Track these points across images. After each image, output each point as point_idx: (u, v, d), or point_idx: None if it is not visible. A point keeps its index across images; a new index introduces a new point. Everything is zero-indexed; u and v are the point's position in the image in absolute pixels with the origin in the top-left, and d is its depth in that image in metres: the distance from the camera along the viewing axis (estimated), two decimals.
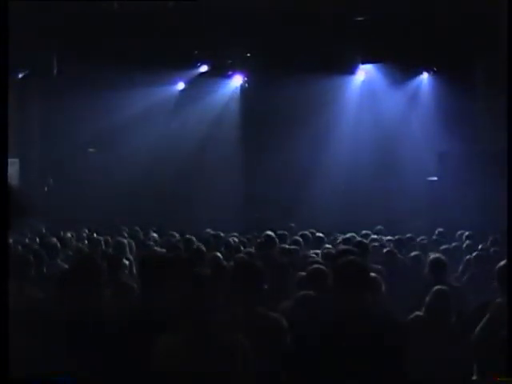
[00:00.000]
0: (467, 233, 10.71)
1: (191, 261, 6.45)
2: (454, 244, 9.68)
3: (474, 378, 4.31)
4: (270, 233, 10.61)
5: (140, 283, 4.72)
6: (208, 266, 6.96)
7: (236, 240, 10.36)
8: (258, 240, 9.91)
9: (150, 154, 16.78)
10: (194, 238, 9.97)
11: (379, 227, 12.46)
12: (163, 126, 17.34)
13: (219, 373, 3.61)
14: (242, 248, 9.46)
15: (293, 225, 12.56)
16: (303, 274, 6.12)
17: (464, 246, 9.57)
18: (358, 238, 9.17)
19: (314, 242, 10.31)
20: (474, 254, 8.19)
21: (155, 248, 9.89)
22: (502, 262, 5.00)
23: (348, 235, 10.32)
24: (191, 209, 16.01)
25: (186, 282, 3.92)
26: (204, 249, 8.16)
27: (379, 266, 7.37)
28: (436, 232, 11.12)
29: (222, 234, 11.23)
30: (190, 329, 3.69)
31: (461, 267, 8.31)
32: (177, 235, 11.58)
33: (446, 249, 8.99)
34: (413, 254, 8.43)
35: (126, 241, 9.51)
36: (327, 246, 8.90)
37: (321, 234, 10.99)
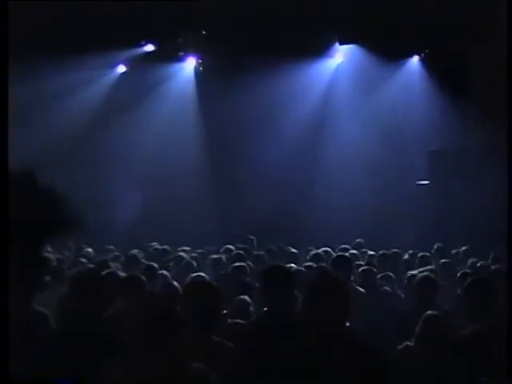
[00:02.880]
0: (464, 248, 10.82)
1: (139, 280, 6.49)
2: (445, 260, 9.75)
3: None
4: (230, 247, 10.64)
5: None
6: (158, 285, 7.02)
7: (186, 255, 10.35)
8: (214, 256, 9.91)
9: (82, 146, 16.56)
10: (138, 254, 9.95)
11: (359, 240, 12.51)
12: (99, 115, 17.11)
13: None
14: (195, 264, 9.46)
15: (253, 237, 12.56)
16: None
17: (458, 262, 9.67)
18: (333, 253, 9.20)
19: (280, 256, 10.31)
20: (461, 272, 8.26)
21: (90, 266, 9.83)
22: None
23: (321, 250, 10.35)
24: (134, 218, 15.84)
25: (138, 301, 3.96)
26: (156, 266, 8.25)
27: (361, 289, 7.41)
28: (435, 247, 11.19)
29: (169, 249, 11.23)
30: (143, 353, 3.72)
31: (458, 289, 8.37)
32: (115, 250, 11.51)
33: (438, 265, 9.05)
34: (409, 273, 8.46)
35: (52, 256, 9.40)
36: (292, 265, 8.89)
37: (292, 249, 11.00)
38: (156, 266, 8.34)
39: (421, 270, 8.64)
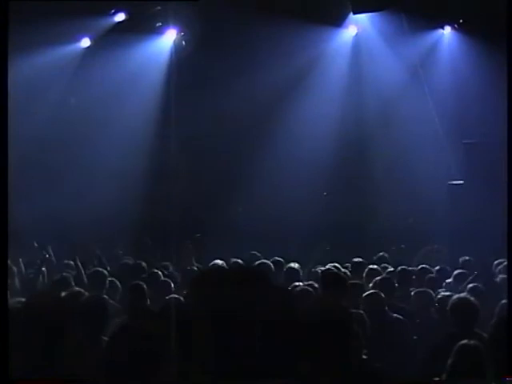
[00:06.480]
0: (506, 262, 10.77)
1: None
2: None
3: None
4: (219, 262, 10.65)
5: None
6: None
7: (164, 272, 10.35)
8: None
9: (38, 136, 16.55)
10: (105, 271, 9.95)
11: (382, 254, 12.55)
12: (59, 98, 17.19)
13: None
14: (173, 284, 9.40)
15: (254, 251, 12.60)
16: None
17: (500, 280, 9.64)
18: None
19: (278, 274, 10.22)
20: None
21: None
22: None
23: (328, 266, 10.28)
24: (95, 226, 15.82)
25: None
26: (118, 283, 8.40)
27: (361, 311, 7.42)
28: (460, 261, 11.19)
29: (143, 265, 11.22)
30: None
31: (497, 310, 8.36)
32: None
33: (475, 286, 9.01)
34: (444, 293, 8.53)
35: None
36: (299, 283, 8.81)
37: (292, 264, 10.92)
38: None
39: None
